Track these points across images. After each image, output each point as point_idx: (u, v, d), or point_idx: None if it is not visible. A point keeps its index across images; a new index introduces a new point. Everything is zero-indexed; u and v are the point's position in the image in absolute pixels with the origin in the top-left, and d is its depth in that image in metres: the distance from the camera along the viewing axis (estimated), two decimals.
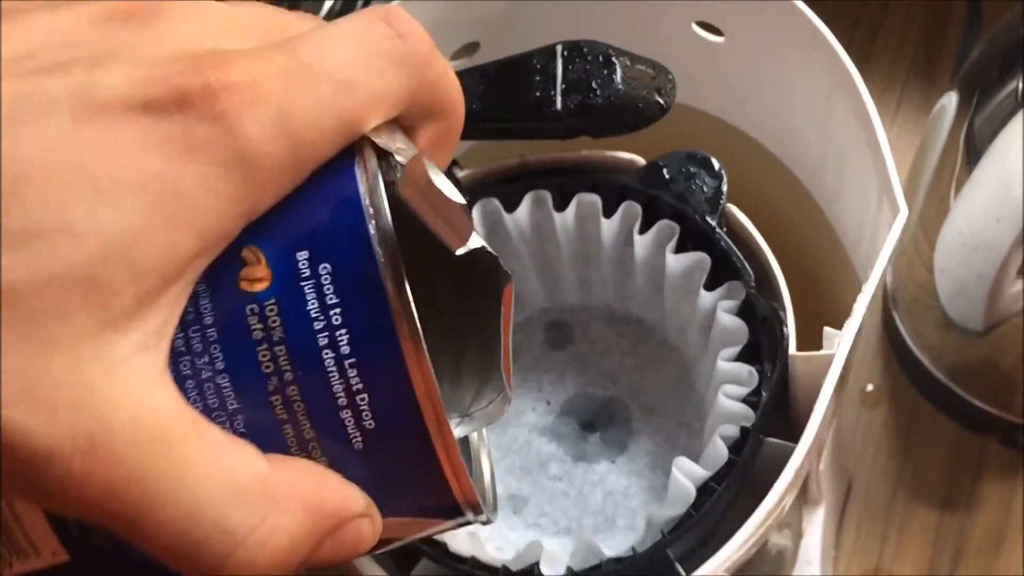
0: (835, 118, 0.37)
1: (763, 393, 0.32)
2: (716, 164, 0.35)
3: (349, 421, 0.20)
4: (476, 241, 0.20)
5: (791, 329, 0.33)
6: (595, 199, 0.36)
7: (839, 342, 0.31)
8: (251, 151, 0.19)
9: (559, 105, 0.34)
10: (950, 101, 0.47)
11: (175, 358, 0.20)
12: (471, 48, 0.41)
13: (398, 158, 0.21)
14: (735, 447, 0.32)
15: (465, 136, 0.37)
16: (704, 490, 0.32)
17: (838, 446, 0.53)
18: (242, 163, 0.19)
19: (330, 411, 0.20)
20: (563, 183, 0.36)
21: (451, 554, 0.33)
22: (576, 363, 0.39)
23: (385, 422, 0.20)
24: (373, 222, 0.20)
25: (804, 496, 0.50)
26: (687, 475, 0.32)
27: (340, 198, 0.20)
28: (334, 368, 0.20)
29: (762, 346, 0.33)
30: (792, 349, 0.33)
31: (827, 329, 0.33)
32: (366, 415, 0.20)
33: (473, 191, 0.37)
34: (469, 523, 0.23)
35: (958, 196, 0.47)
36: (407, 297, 0.20)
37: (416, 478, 0.21)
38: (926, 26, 0.64)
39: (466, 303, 0.24)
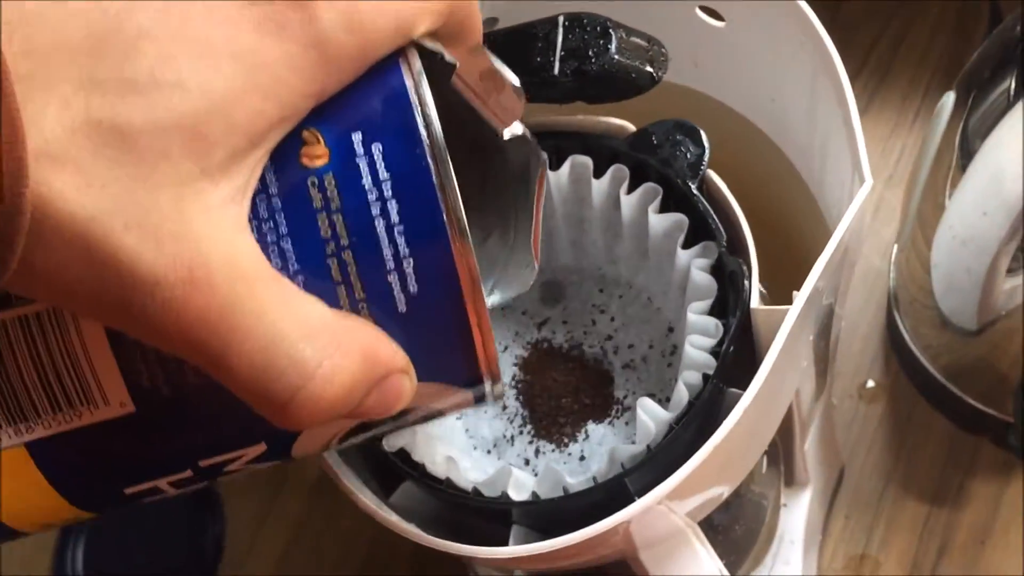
0: (820, 99, 0.39)
1: (724, 345, 0.34)
2: (702, 134, 0.37)
3: (396, 284, 0.23)
4: (518, 127, 0.24)
5: (755, 285, 0.35)
6: (587, 160, 0.38)
7: (796, 297, 0.33)
8: (326, 37, 0.22)
9: (556, 70, 0.37)
10: (948, 101, 0.49)
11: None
12: (490, 23, 0.44)
13: (447, 57, 0.25)
14: (698, 393, 0.34)
15: None
16: (670, 429, 0.34)
17: (828, 433, 0.54)
18: (318, 47, 0.22)
19: (380, 274, 0.23)
20: (559, 145, 0.39)
21: (429, 475, 0.35)
22: (566, 319, 0.42)
23: (427, 286, 0.23)
24: (419, 109, 0.23)
25: (790, 474, 0.52)
26: (649, 415, 0.34)
27: (390, 89, 0.23)
28: (384, 234, 0.23)
29: (729, 302, 0.35)
30: (755, 303, 0.35)
31: (795, 292, 0.35)
32: (411, 279, 0.23)
33: None
34: (483, 398, 0.26)
35: (952, 193, 0.49)
36: (450, 173, 0.23)
37: (448, 343, 0.24)
38: (949, 41, 0.66)
39: (493, 189, 0.26)
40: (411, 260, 0.23)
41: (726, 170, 0.39)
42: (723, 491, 0.39)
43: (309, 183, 0.23)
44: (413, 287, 0.23)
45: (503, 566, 0.38)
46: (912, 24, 0.66)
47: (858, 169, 0.35)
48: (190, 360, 0.22)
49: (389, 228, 0.23)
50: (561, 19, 0.37)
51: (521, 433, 0.39)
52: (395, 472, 0.36)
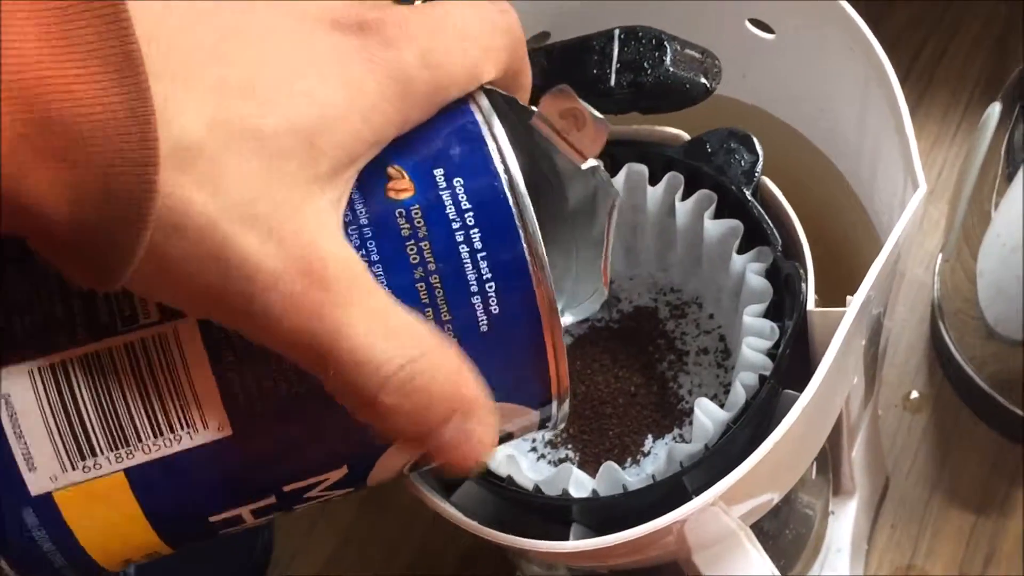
0: (870, 108, 0.40)
1: (781, 346, 0.35)
2: (755, 141, 0.38)
3: (479, 306, 0.25)
4: (593, 160, 0.25)
5: (811, 287, 0.36)
6: (643, 168, 0.39)
7: (852, 300, 0.34)
8: (409, 73, 0.24)
9: (613, 82, 0.38)
10: (994, 111, 0.49)
11: None
12: (542, 37, 0.45)
13: (520, 101, 0.27)
14: (755, 393, 0.35)
15: None
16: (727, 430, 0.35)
17: (874, 442, 0.55)
18: (403, 80, 0.24)
19: (464, 296, 0.25)
20: (614, 153, 0.40)
21: (491, 473, 0.36)
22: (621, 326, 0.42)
23: (508, 307, 0.25)
24: (493, 145, 0.25)
25: (837, 482, 0.52)
26: (707, 414, 0.35)
27: (464, 127, 0.26)
28: (469, 260, 0.25)
29: (785, 305, 0.36)
30: (811, 306, 0.35)
31: (850, 297, 0.36)
32: (493, 301, 0.25)
33: None
34: (548, 420, 0.28)
35: (999, 202, 0.49)
36: (527, 204, 0.25)
37: (526, 362, 0.26)
38: (991, 55, 0.66)
39: (563, 217, 0.28)
40: (493, 284, 0.25)
41: (775, 181, 0.40)
42: (775, 496, 0.40)
43: (397, 214, 0.25)
44: (495, 308, 0.25)
45: (559, 562, 0.38)
46: (953, 38, 0.67)
47: (911, 174, 0.36)
48: (298, 357, 0.23)
49: (472, 254, 0.25)
50: (617, 32, 0.38)
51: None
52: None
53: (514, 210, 0.25)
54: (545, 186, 0.28)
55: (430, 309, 0.25)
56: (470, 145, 0.25)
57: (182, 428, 0.25)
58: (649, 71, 0.37)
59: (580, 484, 0.36)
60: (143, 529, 0.26)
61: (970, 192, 0.52)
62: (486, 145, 0.25)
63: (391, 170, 0.25)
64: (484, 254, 0.25)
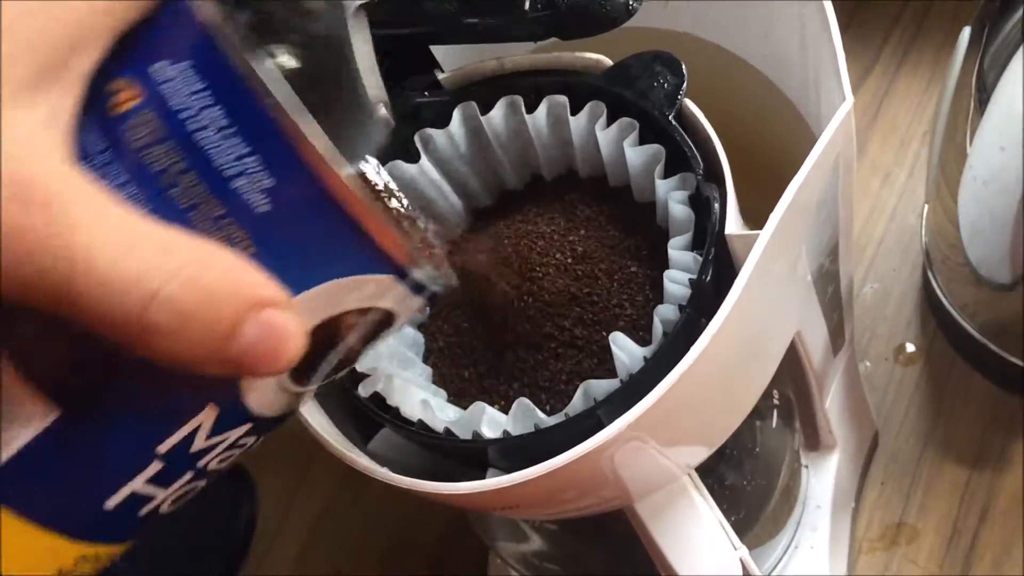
0: (808, 30, 0.37)
1: (699, 274, 0.33)
2: (681, 64, 0.36)
3: (248, 187, 0.22)
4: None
5: (731, 210, 0.34)
6: (563, 99, 0.37)
7: (769, 220, 0.31)
8: None
9: (527, 5, 0.36)
10: (963, 37, 0.47)
11: None
12: None
13: None
14: (672, 325, 0.33)
15: (444, 40, 0.39)
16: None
17: (855, 394, 0.52)
18: None
19: (226, 183, 0.22)
20: (536, 83, 0.38)
21: (402, 418, 0.35)
22: None
23: (281, 176, 0.22)
24: (207, 13, 0.22)
25: (815, 436, 0.50)
26: (622, 349, 0.33)
27: (176, 11, 0.23)
28: (217, 143, 0.22)
29: (708, 233, 0.34)
30: (730, 228, 0.33)
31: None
32: (261, 176, 0.22)
33: (453, 93, 0.39)
34: (422, 289, 0.25)
35: (973, 135, 0.47)
36: (259, 60, 0.22)
37: (331, 225, 0.23)
38: None
39: (310, 62, 0.25)
40: (253, 157, 0.22)
41: (721, 112, 0.37)
42: (709, 442, 0.38)
43: (129, 127, 0.23)
44: (268, 182, 0.22)
45: (486, 508, 0.37)
46: None
47: (839, 88, 0.34)
48: (41, 299, 0.21)
49: (220, 135, 0.22)
50: None
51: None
52: (372, 420, 0.36)
53: (244, 71, 0.22)
54: (277, 36, 0.25)
55: (196, 212, 0.22)
56: (182, 23, 0.23)
57: (10, 424, 0.24)
58: None
59: (494, 424, 0.34)
60: (41, 536, 0.25)
61: (944, 128, 0.49)
62: (195, 16, 0.22)
63: (115, 84, 0.23)
64: (232, 130, 0.22)
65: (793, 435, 0.46)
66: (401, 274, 0.24)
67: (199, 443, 0.26)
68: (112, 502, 0.25)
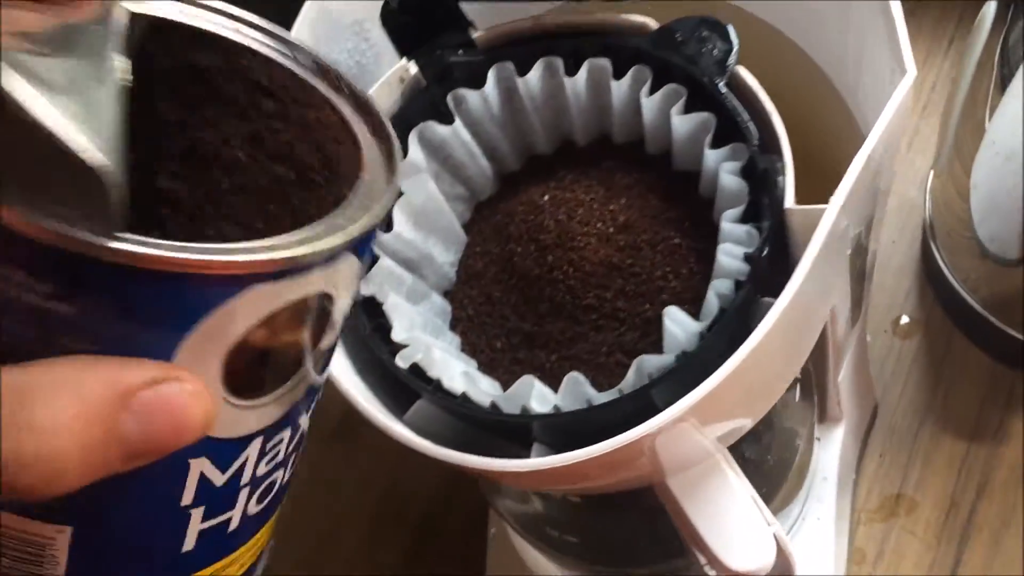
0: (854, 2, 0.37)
1: (757, 248, 0.32)
2: (729, 29, 0.35)
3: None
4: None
5: (790, 183, 0.33)
6: (605, 63, 0.36)
7: (836, 195, 0.31)
8: None
9: None
10: (988, 12, 0.46)
11: None
12: None
13: None
14: (730, 300, 0.32)
15: None
16: (701, 339, 0.32)
17: (861, 367, 0.52)
18: None
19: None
20: (576, 45, 0.36)
21: (445, 390, 0.33)
22: None
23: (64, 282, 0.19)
24: None
25: (824, 408, 0.49)
26: (677, 324, 0.32)
27: None
28: None
29: (762, 206, 0.33)
30: (789, 203, 0.32)
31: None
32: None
33: (488, 52, 0.37)
34: (270, 276, 0.21)
35: (992, 112, 0.46)
36: None
37: (137, 290, 0.20)
38: None
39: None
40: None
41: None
42: (749, 419, 0.37)
43: None
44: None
45: (529, 487, 0.36)
46: None
47: (899, 62, 0.33)
48: None
49: None
50: None
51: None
52: (408, 390, 0.34)
53: None
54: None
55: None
56: None
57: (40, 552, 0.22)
58: None
59: (543, 399, 0.33)
60: None
61: (963, 102, 0.49)
62: None
63: None
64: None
65: (812, 410, 0.46)
66: (258, 279, 0.21)
67: (219, 479, 0.24)
68: (186, 547, 0.24)
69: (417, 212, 0.37)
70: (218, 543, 0.25)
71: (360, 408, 0.33)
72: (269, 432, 0.24)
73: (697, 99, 0.35)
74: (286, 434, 0.25)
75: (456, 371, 0.34)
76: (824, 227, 0.30)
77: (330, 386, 0.62)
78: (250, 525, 0.26)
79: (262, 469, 0.25)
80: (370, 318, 0.35)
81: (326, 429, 0.59)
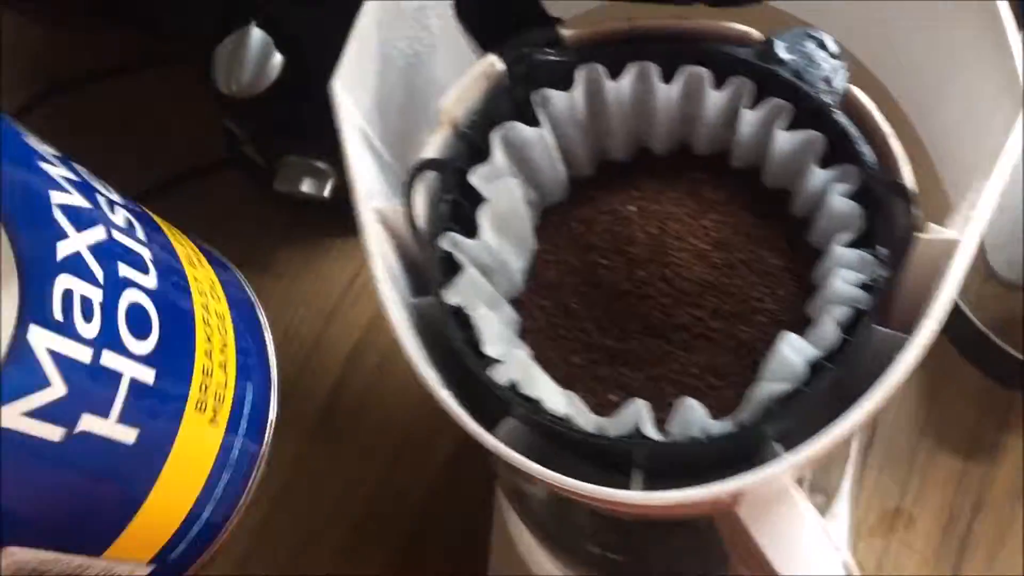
0: (943, 25, 0.36)
1: (880, 276, 0.31)
2: (835, 44, 0.34)
3: None
4: None
5: (915, 209, 0.32)
6: (705, 72, 0.35)
7: (969, 224, 0.30)
8: None
9: None
10: None
11: None
12: None
13: None
14: (851, 329, 0.31)
15: None
16: (813, 369, 0.31)
17: None
18: None
19: None
20: (672, 51, 0.35)
21: (545, 411, 0.31)
22: None
23: None
24: None
25: None
26: (796, 350, 0.31)
27: None
28: None
29: (879, 232, 0.32)
30: (916, 230, 0.31)
31: (933, 225, 0.32)
32: None
33: (578, 52, 0.35)
34: None
35: None
36: None
37: None
38: None
39: None
40: None
41: None
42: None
43: None
44: None
45: (626, 512, 0.34)
46: None
47: (1014, 94, 0.32)
48: None
49: None
50: None
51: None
52: (489, 409, 0.32)
53: None
54: None
55: None
56: None
57: None
58: None
59: (648, 424, 0.31)
60: None
61: None
62: None
63: None
64: None
65: None
66: None
67: None
68: None
69: (500, 218, 0.35)
70: None
71: (469, 428, 0.30)
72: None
73: (803, 116, 0.34)
74: None
75: (555, 391, 0.32)
76: (964, 256, 0.29)
77: (308, 376, 0.59)
78: None
79: None
80: (461, 329, 0.33)
81: (306, 427, 0.57)
